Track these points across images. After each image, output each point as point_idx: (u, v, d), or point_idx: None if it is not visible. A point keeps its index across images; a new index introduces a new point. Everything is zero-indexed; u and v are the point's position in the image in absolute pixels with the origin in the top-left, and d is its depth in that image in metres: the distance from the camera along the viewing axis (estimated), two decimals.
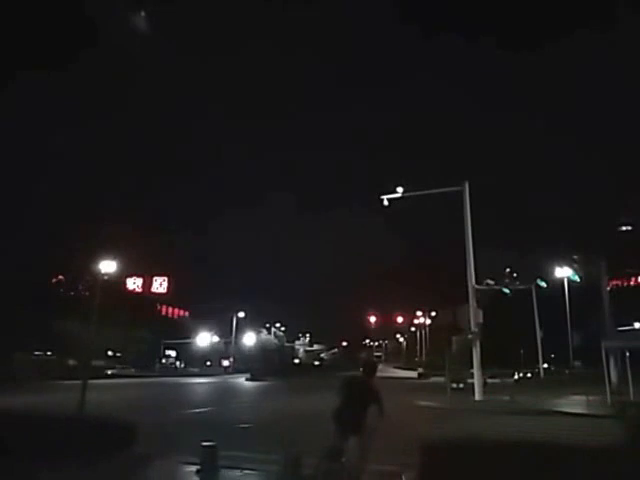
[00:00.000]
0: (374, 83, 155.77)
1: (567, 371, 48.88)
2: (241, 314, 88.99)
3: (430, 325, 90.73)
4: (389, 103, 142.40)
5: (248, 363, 79.09)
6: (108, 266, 23.28)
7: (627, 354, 26.27)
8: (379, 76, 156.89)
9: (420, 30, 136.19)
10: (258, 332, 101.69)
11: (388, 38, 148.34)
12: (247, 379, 64.57)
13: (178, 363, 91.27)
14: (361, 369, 9.41)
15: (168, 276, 69.91)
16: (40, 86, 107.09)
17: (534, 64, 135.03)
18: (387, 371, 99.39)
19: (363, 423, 8.51)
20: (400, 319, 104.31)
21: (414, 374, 72.32)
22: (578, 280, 43.53)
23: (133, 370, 64.38)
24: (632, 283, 68.90)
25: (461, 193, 33.97)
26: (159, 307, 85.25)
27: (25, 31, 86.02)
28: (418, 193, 35.77)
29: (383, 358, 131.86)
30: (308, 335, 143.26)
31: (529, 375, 49.48)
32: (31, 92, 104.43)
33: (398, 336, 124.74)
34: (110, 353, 69.59)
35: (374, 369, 9.54)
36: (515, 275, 39.39)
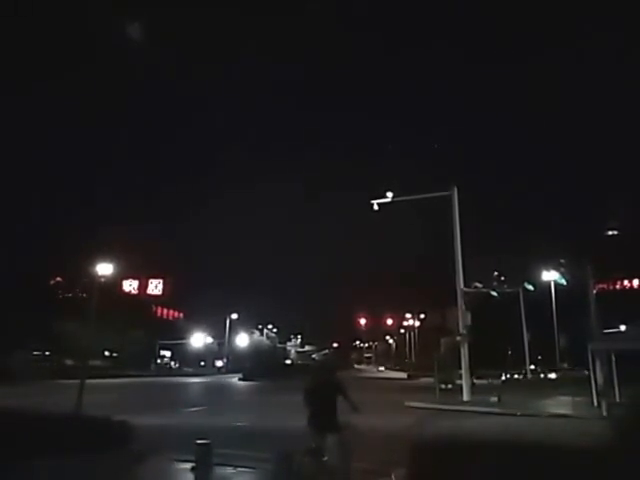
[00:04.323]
0: (369, 89, 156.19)
1: (553, 373, 49.54)
2: (234, 316, 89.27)
3: (419, 327, 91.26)
4: (382, 109, 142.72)
5: (241, 363, 79.44)
6: (105, 268, 23.65)
7: (613, 357, 26.65)
8: (372, 82, 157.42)
9: (412, 39, 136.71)
10: (251, 333, 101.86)
11: (380, 46, 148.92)
12: (240, 379, 64.96)
13: (173, 363, 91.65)
14: (322, 371, 10.01)
15: (163, 278, 70.18)
16: (40, 87, 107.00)
17: (525, 71, 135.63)
18: (377, 372, 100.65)
19: (336, 420, 8.84)
20: (390, 321, 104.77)
21: (403, 375, 73.18)
22: (565, 283, 44.11)
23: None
24: (618, 287, 69.47)
25: (450, 198, 34.45)
26: (154, 308, 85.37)
27: (23, 39, 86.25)
28: (407, 198, 36.20)
29: (373, 359, 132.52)
30: (300, 336, 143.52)
31: (516, 376, 50.06)
32: (32, 94, 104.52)
33: (388, 338, 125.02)
34: (107, 353, 69.99)
35: (334, 369, 10.38)
36: (503, 278, 39.80)
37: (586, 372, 35.06)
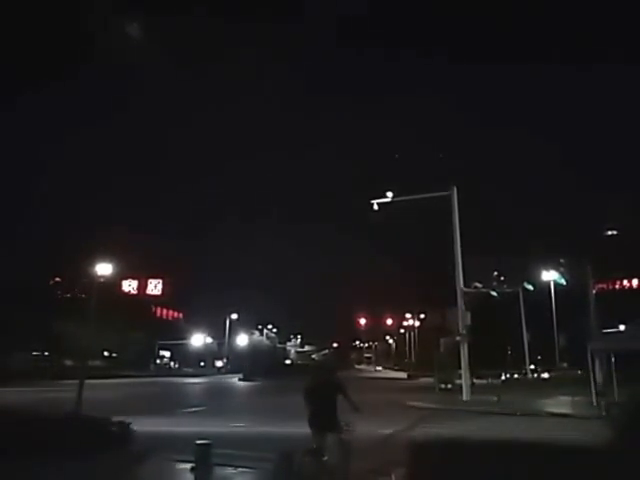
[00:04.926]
0: (361, 94, 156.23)
1: (552, 372, 49.54)
2: (234, 316, 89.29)
3: (419, 327, 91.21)
4: (376, 114, 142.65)
5: (241, 364, 79.48)
6: (104, 269, 23.63)
7: (612, 356, 26.62)
8: (364, 87, 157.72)
9: (411, 46, 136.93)
10: (251, 333, 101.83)
11: (375, 54, 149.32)
12: (240, 379, 65.07)
13: (172, 363, 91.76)
14: (322, 371, 10.10)
15: (163, 278, 70.00)
16: (41, 90, 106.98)
17: (526, 72, 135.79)
18: (375, 372, 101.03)
19: (336, 420, 8.86)
20: (390, 321, 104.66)
21: (403, 375, 73.17)
22: (564, 283, 44.11)
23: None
24: (617, 286, 69.50)
25: (450, 198, 34.52)
26: (154, 309, 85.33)
27: (23, 41, 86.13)
28: (407, 198, 36.26)
29: (373, 359, 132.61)
30: (299, 336, 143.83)
31: (516, 376, 50.06)
32: (32, 96, 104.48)
33: (387, 338, 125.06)
34: (106, 354, 70.00)
35: (333, 369, 10.63)
36: (503, 278, 39.79)
37: (579, 372, 35.25)
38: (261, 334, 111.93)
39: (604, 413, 21.30)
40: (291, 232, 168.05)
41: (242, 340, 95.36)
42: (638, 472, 6.53)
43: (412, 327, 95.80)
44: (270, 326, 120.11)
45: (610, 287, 67.15)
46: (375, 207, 35.10)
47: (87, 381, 19.93)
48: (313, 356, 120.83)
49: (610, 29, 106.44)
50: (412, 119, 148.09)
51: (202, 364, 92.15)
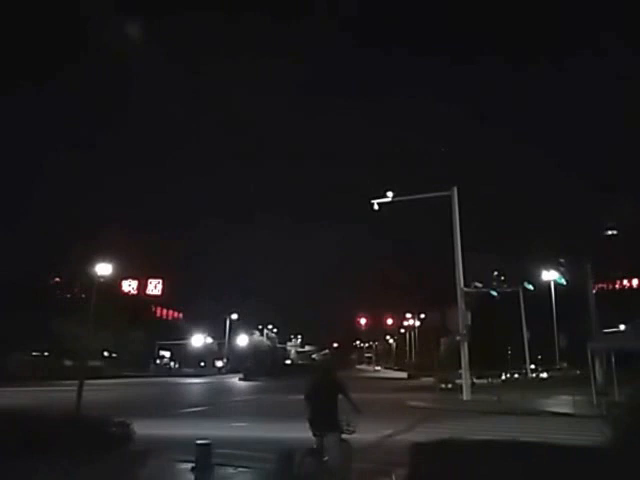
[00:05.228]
0: (361, 94, 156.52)
1: (552, 372, 49.57)
2: (234, 316, 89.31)
3: (419, 327, 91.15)
4: (376, 114, 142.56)
5: (241, 364, 79.56)
6: (104, 269, 23.66)
7: (612, 356, 26.62)
8: (364, 87, 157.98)
9: (412, 46, 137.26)
10: (251, 334, 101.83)
11: (375, 54, 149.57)
12: (240, 379, 65.19)
13: (172, 364, 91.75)
14: (322, 371, 10.09)
15: (162, 278, 70.02)
16: (38, 91, 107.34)
17: (525, 72, 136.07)
18: (374, 372, 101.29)
19: (336, 419, 8.84)
20: (390, 321, 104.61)
21: (404, 374, 73.21)
22: (564, 283, 44.12)
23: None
24: (617, 286, 69.66)
25: (449, 198, 34.51)
26: (154, 309, 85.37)
27: (19, 41, 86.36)
28: (408, 198, 36.27)
29: (373, 359, 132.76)
30: (300, 337, 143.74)
31: (516, 376, 50.06)
32: (31, 95, 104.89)
33: (388, 337, 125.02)
34: (106, 354, 69.99)
35: (334, 368, 10.71)
36: (503, 278, 39.85)
37: (578, 372, 35.21)
38: (261, 334, 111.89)
39: (605, 412, 21.29)
40: (291, 232, 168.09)
41: (242, 340, 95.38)
42: (638, 472, 6.52)
43: (412, 327, 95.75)
44: (270, 326, 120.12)
45: (610, 287, 67.32)
46: (376, 207, 35.14)
47: (87, 381, 19.92)
48: (313, 356, 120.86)
49: (610, 27, 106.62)
50: (412, 119, 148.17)
51: (202, 364, 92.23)
